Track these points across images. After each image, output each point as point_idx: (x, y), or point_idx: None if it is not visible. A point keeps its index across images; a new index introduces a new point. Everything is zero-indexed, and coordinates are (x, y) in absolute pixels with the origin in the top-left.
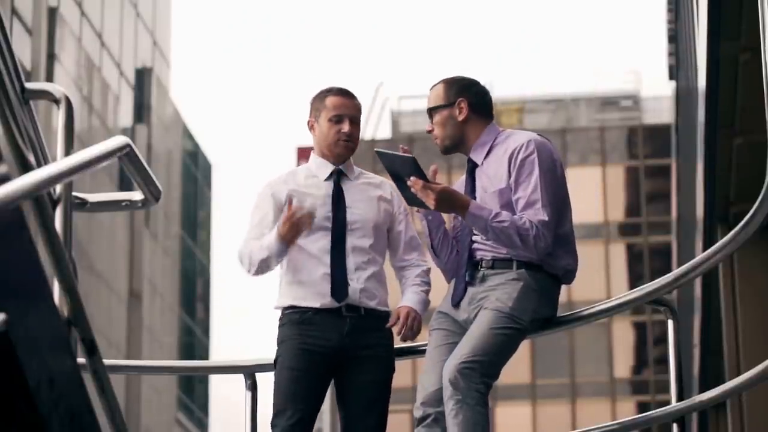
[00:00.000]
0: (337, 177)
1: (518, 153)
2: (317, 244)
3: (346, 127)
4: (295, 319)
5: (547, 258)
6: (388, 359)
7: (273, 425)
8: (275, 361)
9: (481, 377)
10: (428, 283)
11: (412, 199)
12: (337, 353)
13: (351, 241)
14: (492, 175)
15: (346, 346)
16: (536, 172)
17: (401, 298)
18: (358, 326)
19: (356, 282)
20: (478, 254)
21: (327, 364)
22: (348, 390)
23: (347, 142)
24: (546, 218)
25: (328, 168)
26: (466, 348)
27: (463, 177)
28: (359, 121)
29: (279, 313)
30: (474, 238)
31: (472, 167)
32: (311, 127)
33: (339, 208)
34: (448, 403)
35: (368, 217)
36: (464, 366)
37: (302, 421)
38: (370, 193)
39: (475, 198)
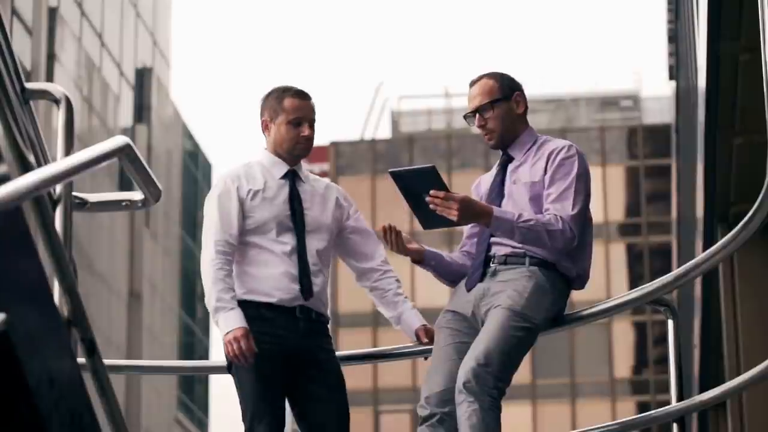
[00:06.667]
0: (292, 178)
1: (558, 153)
2: (279, 243)
3: (306, 130)
4: (249, 315)
5: (563, 259)
6: (339, 366)
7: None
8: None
9: (495, 381)
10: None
11: (428, 221)
12: (293, 354)
13: (309, 243)
14: (527, 169)
15: (304, 347)
16: (574, 173)
17: (390, 308)
18: (313, 329)
19: (314, 285)
20: (493, 249)
21: (285, 364)
22: (310, 396)
23: (306, 145)
24: (573, 212)
25: (283, 168)
26: (479, 350)
27: (491, 171)
28: (315, 122)
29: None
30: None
31: (506, 160)
32: (266, 128)
33: (297, 209)
34: (461, 406)
35: (322, 220)
36: (478, 369)
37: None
38: (323, 195)
39: (503, 190)
